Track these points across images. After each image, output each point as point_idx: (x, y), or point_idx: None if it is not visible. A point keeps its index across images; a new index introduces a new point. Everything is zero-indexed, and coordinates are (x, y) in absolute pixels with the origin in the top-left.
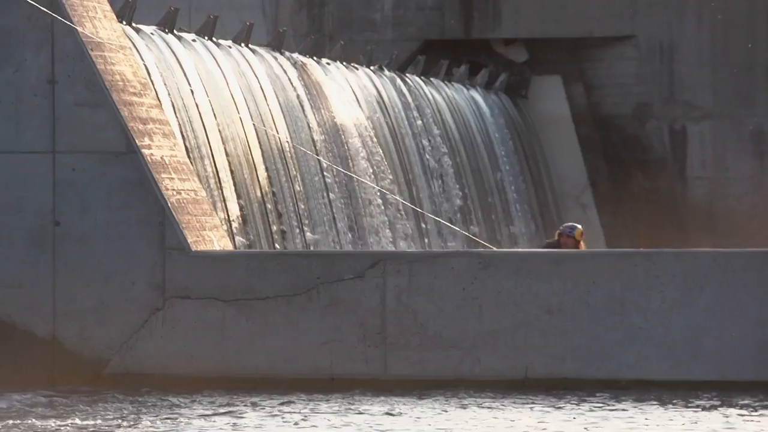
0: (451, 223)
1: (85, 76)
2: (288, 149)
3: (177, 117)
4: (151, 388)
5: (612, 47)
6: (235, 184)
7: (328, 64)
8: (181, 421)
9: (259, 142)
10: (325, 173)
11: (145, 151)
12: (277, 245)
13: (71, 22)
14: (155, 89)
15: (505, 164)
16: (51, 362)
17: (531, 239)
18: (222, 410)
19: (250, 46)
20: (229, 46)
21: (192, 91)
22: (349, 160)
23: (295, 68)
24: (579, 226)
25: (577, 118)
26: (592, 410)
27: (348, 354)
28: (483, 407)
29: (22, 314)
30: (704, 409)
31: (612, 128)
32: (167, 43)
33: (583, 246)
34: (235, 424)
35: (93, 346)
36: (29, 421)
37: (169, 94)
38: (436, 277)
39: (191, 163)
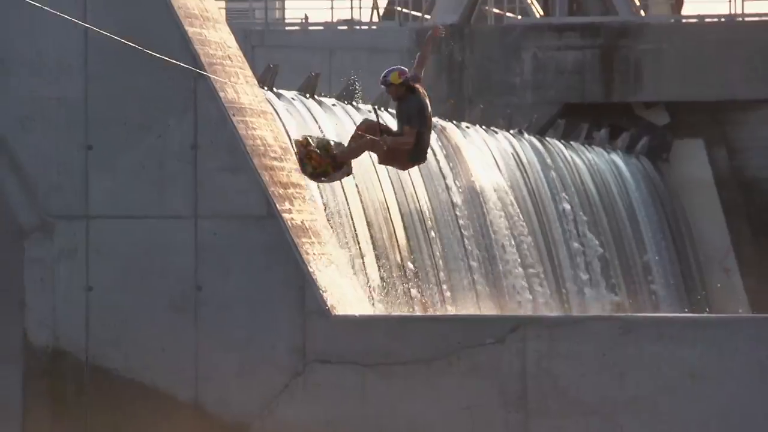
0: (591, 286)
1: (226, 141)
2: (427, 213)
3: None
4: None
5: (755, 110)
6: (374, 248)
7: (468, 127)
8: None
9: (399, 206)
10: (465, 238)
11: (286, 216)
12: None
13: (214, 88)
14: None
15: (647, 228)
16: (193, 427)
17: (672, 303)
18: None
19: (389, 110)
20: (369, 111)
21: None
22: (488, 223)
23: (435, 132)
24: (397, 68)
25: (719, 181)
26: None
27: (488, 420)
28: None
29: (164, 378)
30: None
31: (756, 192)
32: (308, 108)
33: (420, 91)
34: None
35: (234, 411)
36: None
37: None
38: (577, 342)
39: (331, 227)
